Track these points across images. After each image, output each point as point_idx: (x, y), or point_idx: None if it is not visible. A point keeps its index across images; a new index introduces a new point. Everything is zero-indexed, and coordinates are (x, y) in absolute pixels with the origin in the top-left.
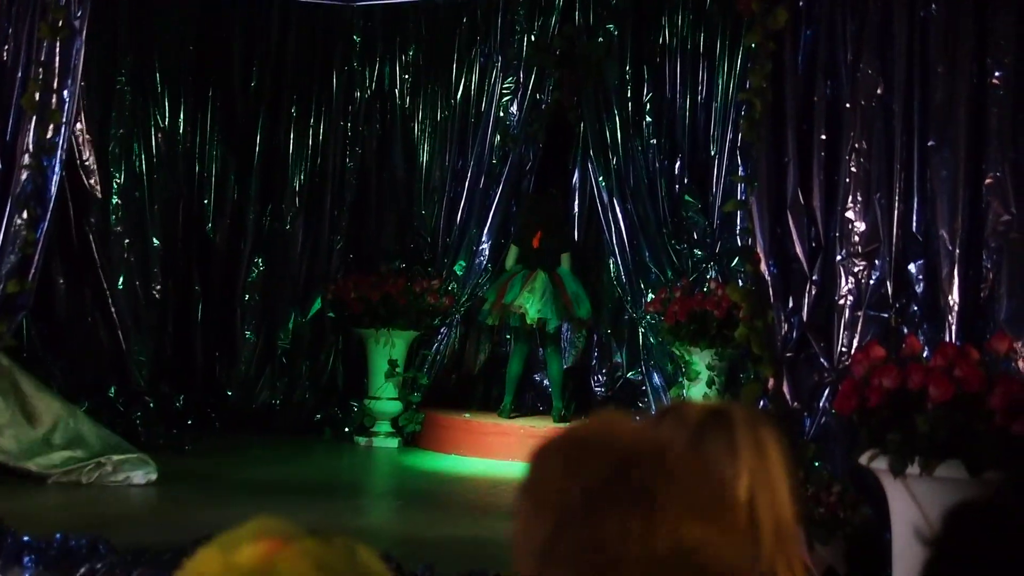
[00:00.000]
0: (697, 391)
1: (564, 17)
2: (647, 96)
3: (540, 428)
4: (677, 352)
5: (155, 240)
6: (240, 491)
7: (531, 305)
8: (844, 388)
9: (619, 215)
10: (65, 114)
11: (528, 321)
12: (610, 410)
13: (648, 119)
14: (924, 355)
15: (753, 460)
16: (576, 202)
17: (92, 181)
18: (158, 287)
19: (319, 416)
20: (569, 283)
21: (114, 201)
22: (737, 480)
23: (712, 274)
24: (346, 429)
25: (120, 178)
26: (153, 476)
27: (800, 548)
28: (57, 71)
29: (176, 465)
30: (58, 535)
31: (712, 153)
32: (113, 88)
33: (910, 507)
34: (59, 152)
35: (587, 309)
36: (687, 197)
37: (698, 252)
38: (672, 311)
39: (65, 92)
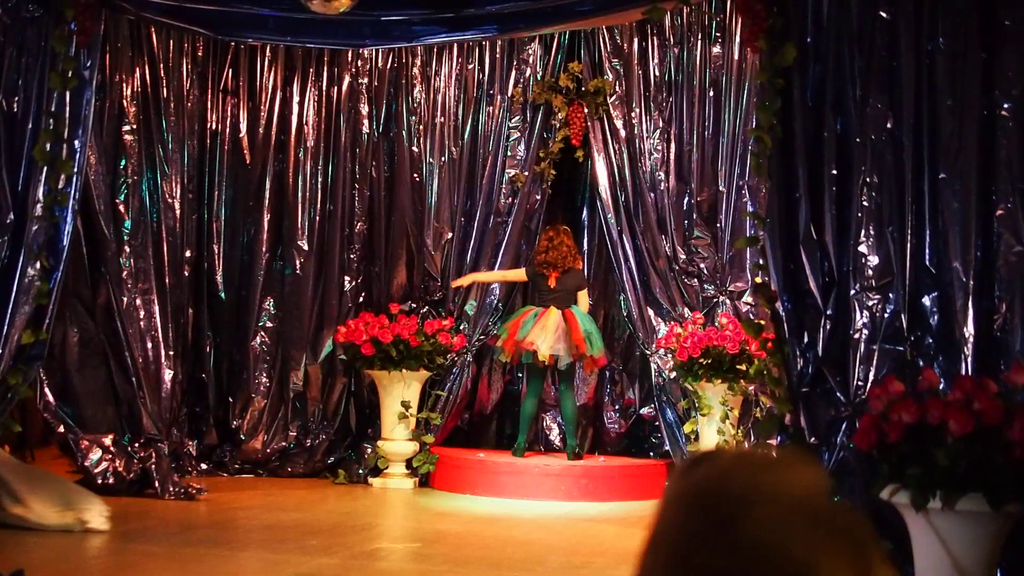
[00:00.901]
0: (711, 426)
1: (569, 55)
2: (654, 132)
3: (554, 467)
4: (690, 387)
5: (166, 286)
6: (257, 537)
7: (543, 342)
8: (863, 423)
9: (629, 251)
10: (76, 164)
11: (539, 358)
12: (756, 450)
13: (655, 154)
14: (940, 387)
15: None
16: (585, 239)
17: (104, 228)
18: (170, 333)
19: (332, 459)
20: (583, 321)
21: (126, 248)
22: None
23: (723, 309)
24: (360, 471)
25: (130, 225)
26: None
27: None
28: (67, 121)
29: (191, 512)
30: None
31: (720, 188)
32: (121, 135)
33: (932, 541)
34: (71, 202)
35: (600, 348)
36: (696, 233)
37: (708, 287)
38: (684, 346)
39: (76, 142)
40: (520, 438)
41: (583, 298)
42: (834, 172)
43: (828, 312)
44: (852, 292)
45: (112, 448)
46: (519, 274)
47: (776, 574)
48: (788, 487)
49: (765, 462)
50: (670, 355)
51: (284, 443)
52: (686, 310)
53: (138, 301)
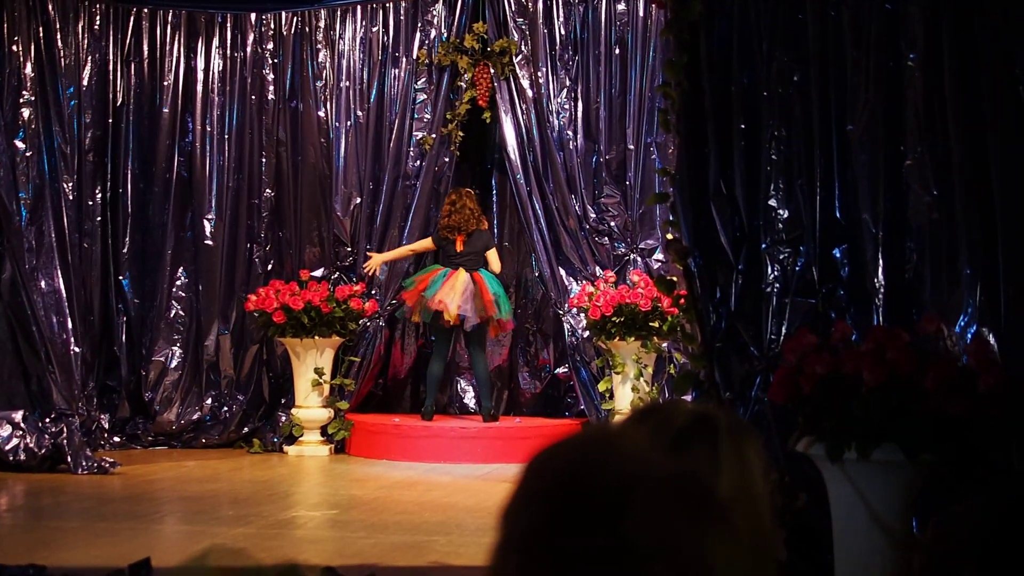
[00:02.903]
0: (625, 384)
1: (474, 15)
2: (561, 91)
3: (470, 428)
4: (604, 346)
5: (69, 258)
6: (172, 509)
7: (451, 301)
8: (777, 376)
9: (539, 211)
10: None
11: (446, 317)
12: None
13: (563, 114)
14: (853, 338)
15: (734, 470)
16: (495, 200)
17: (6, 201)
18: (76, 306)
19: (247, 428)
20: (491, 284)
21: (27, 221)
22: (716, 489)
23: (634, 266)
24: (275, 440)
25: (30, 195)
26: None
27: (776, 556)
28: None
29: (106, 486)
30: None
31: (629, 146)
32: (19, 107)
33: (849, 492)
34: None
35: (508, 311)
36: (606, 191)
37: (619, 245)
38: (596, 305)
39: None
40: (427, 401)
41: (493, 257)
42: (742, 126)
43: (740, 267)
44: (763, 246)
45: (23, 424)
46: (426, 244)
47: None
48: (653, 463)
49: (618, 436)
50: (583, 314)
51: (198, 414)
52: (598, 269)
53: (42, 274)
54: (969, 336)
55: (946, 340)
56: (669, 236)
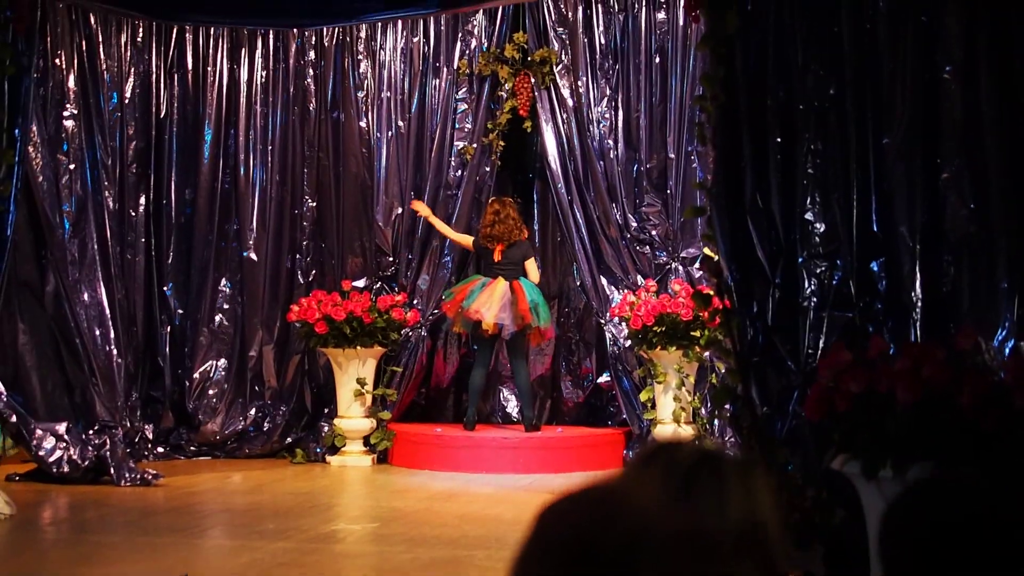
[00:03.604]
0: (667, 394)
1: (514, 25)
2: (601, 100)
3: (512, 438)
4: (645, 355)
5: (111, 270)
6: (214, 522)
7: (488, 310)
8: (812, 393)
9: (580, 220)
10: (17, 153)
11: (484, 327)
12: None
13: (603, 123)
14: (891, 352)
15: (742, 504)
16: (536, 209)
17: (48, 214)
18: (118, 317)
19: (290, 439)
20: (530, 292)
21: (70, 233)
22: (724, 531)
23: (676, 275)
24: (318, 450)
25: (72, 208)
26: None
27: None
28: (7, 109)
29: (148, 498)
30: None
31: (669, 154)
32: (62, 120)
33: (884, 509)
34: (12, 191)
35: (547, 319)
36: (647, 200)
37: (661, 254)
38: (638, 315)
39: (16, 131)
40: (470, 411)
41: (532, 267)
42: (778, 140)
43: (776, 280)
44: (800, 260)
45: (66, 436)
46: (465, 239)
47: None
48: (661, 517)
49: (626, 488)
50: (624, 324)
51: (241, 425)
52: (639, 278)
53: (85, 286)
54: (1007, 350)
55: (984, 354)
56: (707, 251)
